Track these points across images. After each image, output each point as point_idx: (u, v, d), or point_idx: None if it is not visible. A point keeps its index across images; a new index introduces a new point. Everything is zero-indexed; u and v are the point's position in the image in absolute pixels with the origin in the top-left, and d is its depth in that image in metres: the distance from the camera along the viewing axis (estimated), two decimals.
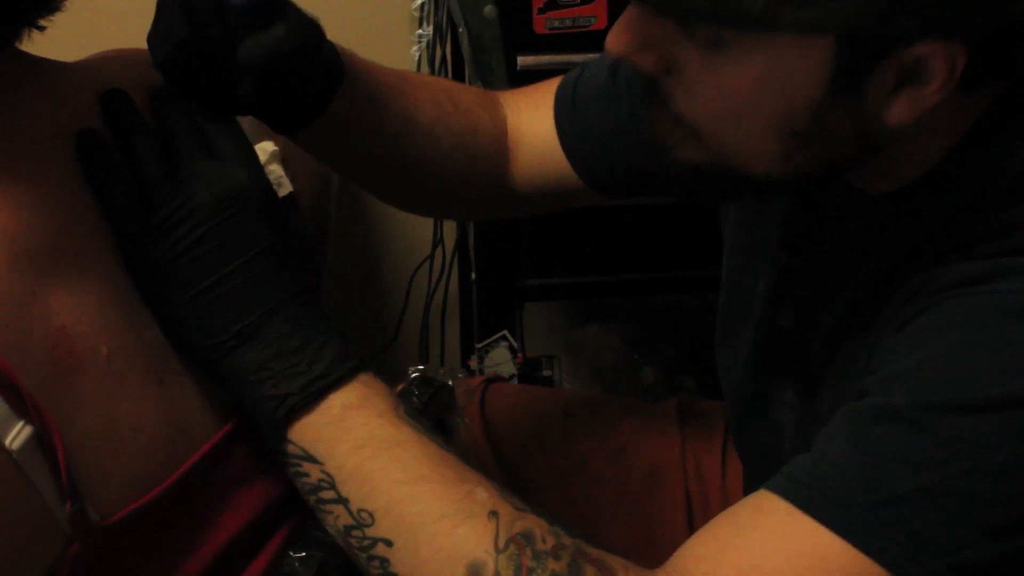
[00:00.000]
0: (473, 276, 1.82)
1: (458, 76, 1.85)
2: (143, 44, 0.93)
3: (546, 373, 1.95)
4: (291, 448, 0.85)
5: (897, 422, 0.80)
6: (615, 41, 0.87)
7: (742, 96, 0.82)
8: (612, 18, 1.61)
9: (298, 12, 0.93)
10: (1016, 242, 0.83)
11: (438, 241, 2.10)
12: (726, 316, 1.15)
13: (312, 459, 0.85)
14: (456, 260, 2.09)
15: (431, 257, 2.13)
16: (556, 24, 1.61)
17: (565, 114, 1.18)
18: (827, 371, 0.99)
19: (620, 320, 2.14)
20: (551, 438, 1.35)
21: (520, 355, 1.84)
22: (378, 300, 2.31)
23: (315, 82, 0.97)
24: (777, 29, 0.77)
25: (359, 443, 0.84)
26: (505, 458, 1.35)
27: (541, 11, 1.61)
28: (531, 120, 1.19)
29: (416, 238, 2.22)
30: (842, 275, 0.97)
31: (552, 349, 2.05)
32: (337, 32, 2.20)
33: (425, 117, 1.09)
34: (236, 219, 0.85)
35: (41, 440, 0.75)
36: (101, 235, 0.85)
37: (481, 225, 1.74)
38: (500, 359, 1.81)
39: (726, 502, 1.27)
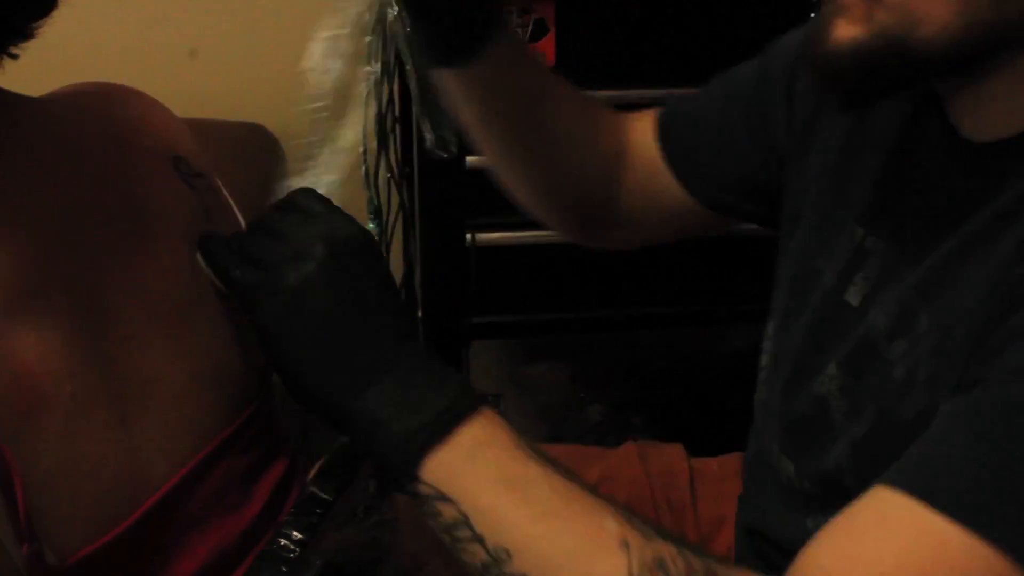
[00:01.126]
0: (419, 314, 1.81)
1: (406, 114, 1.85)
2: (109, 73, 0.93)
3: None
4: (424, 489, 0.84)
5: None
6: None
7: None
8: (559, 56, 1.63)
9: None
10: None
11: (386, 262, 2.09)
12: (791, 290, 1.15)
13: (445, 498, 0.84)
14: (402, 298, 2.08)
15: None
16: None
17: (672, 137, 1.24)
18: (884, 340, 0.97)
19: (567, 357, 2.14)
20: None
21: None
22: None
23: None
24: None
25: (491, 479, 0.83)
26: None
27: None
28: (644, 140, 1.25)
29: None
30: (926, 243, 0.96)
31: (499, 386, 2.05)
32: (281, 70, 2.20)
33: (559, 89, 1.19)
34: (350, 265, 0.87)
35: (1, 480, 0.74)
36: (70, 273, 0.84)
37: (428, 262, 1.74)
38: None
39: (700, 534, 1.30)
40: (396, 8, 1.58)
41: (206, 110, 2.05)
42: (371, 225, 1.82)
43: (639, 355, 2.19)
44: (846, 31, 0.88)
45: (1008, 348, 0.82)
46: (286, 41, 2.14)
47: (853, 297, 1.04)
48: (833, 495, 0.96)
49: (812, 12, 1.61)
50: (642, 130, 1.26)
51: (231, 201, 1.09)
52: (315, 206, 0.91)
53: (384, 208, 1.84)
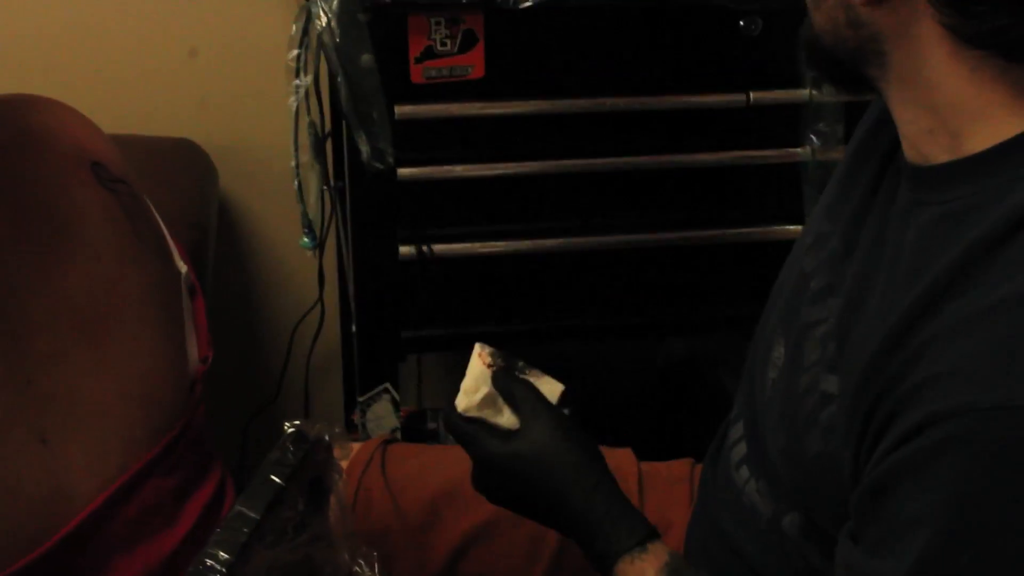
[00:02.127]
0: (354, 328, 1.80)
1: (337, 126, 1.84)
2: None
3: (431, 426, 1.94)
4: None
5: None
6: None
7: None
8: (489, 67, 1.62)
9: None
10: None
11: (321, 293, 2.07)
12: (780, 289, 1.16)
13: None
14: (338, 312, 2.07)
15: (322, 308, 2.10)
16: (433, 73, 1.61)
17: None
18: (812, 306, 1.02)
19: None
20: (462, 496, 1.33)
21: (402, 408, 1.82)
22: (259, 354, 2.28)
23: None
24: None
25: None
26: (414, 522, 1.33)
27: (418, 60, 1.60)
28: None
29: (299, 290, 2.19)
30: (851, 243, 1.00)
31: (440, 401, 2.04)
32: (214, 84, 2.19)
33: None
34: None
35: None
36: None
37: (362, 276, 1.73)
38: (382, 412, 1.79)
39: None
40: (325, 19, 1.58)
41: (134, 126, 2.03)
42: (304, 240, 1.81)
43: (576, 366, 2.19)
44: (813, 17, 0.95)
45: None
46: (214, 60, 2.14)
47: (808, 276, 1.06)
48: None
49: (739, 22, 1.63)
50: None
51: (152, 208, 1.08)
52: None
53: (317, 221, 1.83)
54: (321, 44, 1.59)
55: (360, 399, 1.77)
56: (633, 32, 1.64)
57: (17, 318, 0.85)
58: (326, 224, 1.89)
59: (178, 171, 1.98)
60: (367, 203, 1.69)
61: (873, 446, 0.86)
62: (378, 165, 1.63)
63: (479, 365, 1.11)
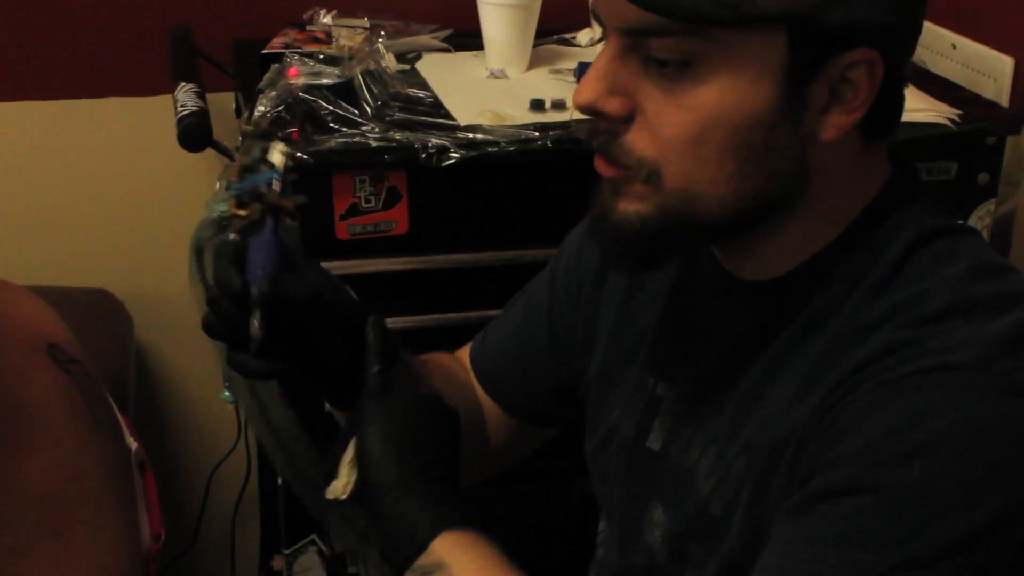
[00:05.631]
0: (280, 481, 1.80)
1: None
2: None
3: (351, 571, 1.93)
4: (423, 560, 0.95)
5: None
6: (584, 91, 0.94)
7: (705, 114, 0.91)
8: (412, 223, 1.66)
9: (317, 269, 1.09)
10: (919, 315, 0.92)
11: (240, 434, 2.07)
12: (597, 455, 1.19)
13: (442, 566, 0.95)
14: (259, 457, 2.06)
15: (248, 458, 2.09)
16: (358, 230, 1.64)
17: (483, 371, 1.31)
18: (701, 476, 1.03)
19: None
20: None
21: (328, 552, 1.82)
22: (176, 496, 2.26)
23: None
24: (745, 21, 0.87)
25: (483, 563, 0.96)
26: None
27: (343, 217, 1.64)
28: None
29: (218, 430, 2.19)
30: (719, 379, 1.03)
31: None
32: (128, 233, 2.19)
33: (443, 385, 1.21)
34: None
35: None
36: None
37: None
38: (309, 564, 1.78)
39: None
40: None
41: (47, 277, 2.03)
42: (226, 394, 1.81)
43: (504, 508, 2.20)
44: (630, 206, 0.96)
45: (831, 444, 0.90)
46: (131, 206, 2.15)
47: (654, 443, 1.10)
48: None
49: None
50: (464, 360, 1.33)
51: (102, 385, 1.08)
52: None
53: None
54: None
55: (286, 552, 1.77)
56: (552, 184, 1.69)
57: None
58: None
59: (94, 321, 1.98)
60: None
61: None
62: None
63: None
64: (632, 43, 0.92)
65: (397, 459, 0.98)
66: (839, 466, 0.89)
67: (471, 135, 1.64)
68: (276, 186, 1.07)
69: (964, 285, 0.93)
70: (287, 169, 1.11)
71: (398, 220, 1.65)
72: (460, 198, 1.67)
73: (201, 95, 1.74)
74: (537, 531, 2.10)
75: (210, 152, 1.74)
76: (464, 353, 1.34)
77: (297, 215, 1.07)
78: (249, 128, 1.12)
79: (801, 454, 0.93)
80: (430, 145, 1.61)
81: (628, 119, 0.94)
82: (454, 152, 1.61)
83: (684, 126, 0.92)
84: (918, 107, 1.76)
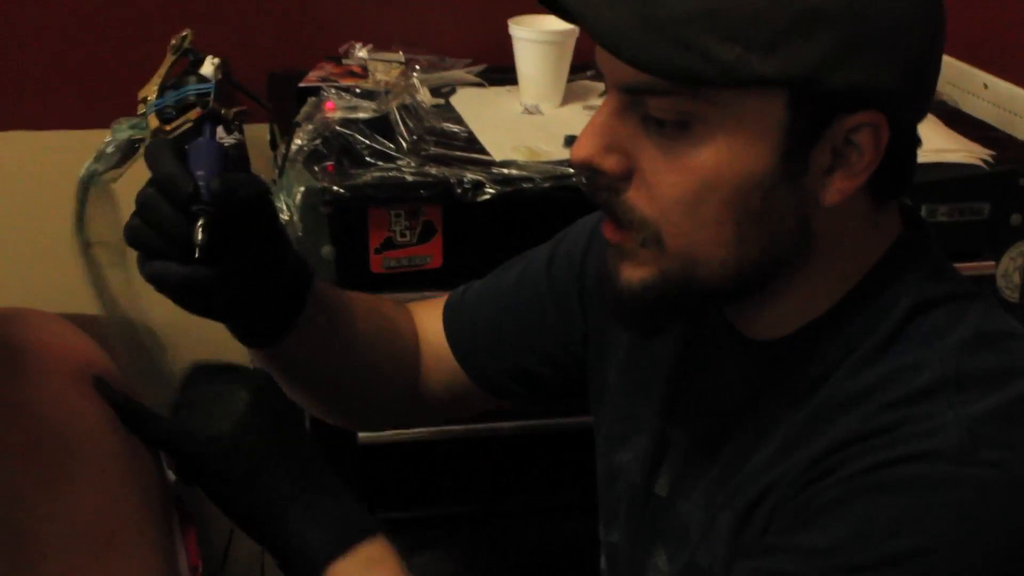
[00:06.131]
0: None
1: None
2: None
3: None
4: None
5: None
6: (581, 146, 0.93)
7: (703, 175, 0.89)
8: (447, 257, 1.67)
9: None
10: (908, 390, 0.91)
11: None
12: (607, 488, 1.19)
13: None
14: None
15: None
16: (393, 263, 1.65)
17: (454, 322, 1.27)
18: (697, 531, 1.03)
19: (451, 547, 2.13)
20: None
21: None
22: (206, 521, 2.26)
23: (283, 269, 1.05)
24: (743, 83, 0.86)
25: None
26: None
27: (378, 251, 1.65)
28: (432, 332, 1.27)
29: None
30: (723, 433, 1.03)
31: None
32: None
33: (366, 327, 1.19)
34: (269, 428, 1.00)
35: None
36: None
37: None
38: None
39: None
40: (288, 214, 1.61)
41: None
42: None
43: (520, 544, 2.20)
44: (633, 273, 0.95)
45: (791, 522, 0.91)
46: None
47: (661, 488, 1.10)
48: None
49: None
50: (433, 317, 1.29)
51: None
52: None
53: None
54: None
55: None
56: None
57: (30, 543, 0.86)
58: None
59: (126, 348, 1.99)
60: None
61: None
62: None
63: None
64: (631, 100, 0.91)
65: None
66: (798, 556, 0.89)
67: (506, 170, 1.66)
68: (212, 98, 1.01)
69: (957, 358, 0.92)
70: (221, 81, 1.03)
71: (432, 255, 1.66)
72: (494, 233, 1.68)
73: (239, 127, 1.75)
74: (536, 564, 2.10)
75: None
76: (419, 306, 1.31)
77: (237, 126, 1.02)
78: (173, 44, 1.05)
79: (772, 516, 0.94)
80: (465, 180, 1.62)
81: (626, 176, 0.93)
82: (489, 187, 1.62)
83: (682, 187, 0.90)
84: (951, 147, 1.77)
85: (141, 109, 1.03)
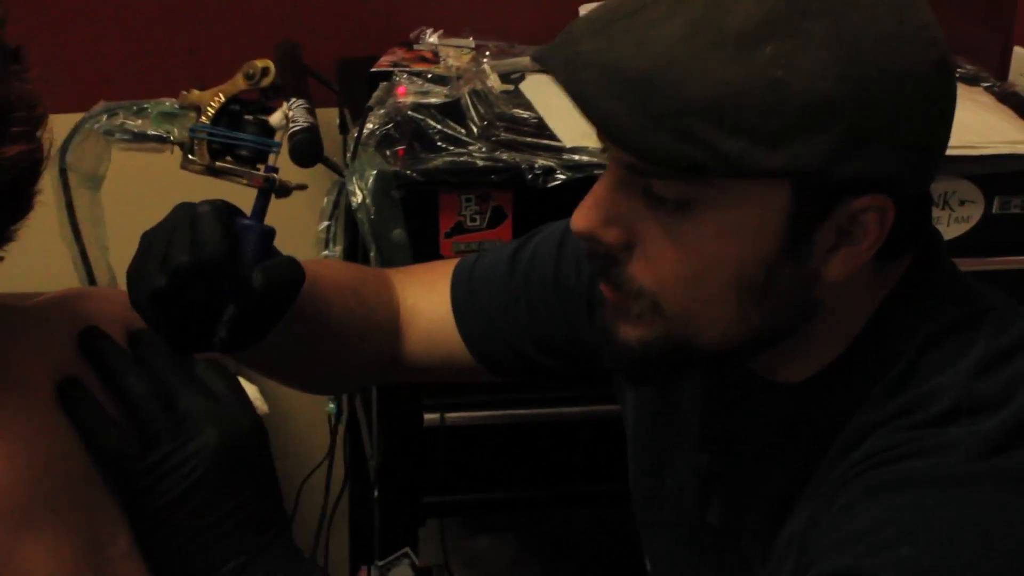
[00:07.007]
0: (376, 494, 1.81)
1: None
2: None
3: None
4: None
5: None
6: (581, 217, 0.92)
7: (705, 255, 0.89)
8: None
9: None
10: (925, 416, 0.90)
11: (331, 449, 2.09)
12: (645, 511, 1.19)
13: None
14: (343, 472, 2.09)
15: (330, 464, 2.12)
16: (463, 247, 1.66)
17: (462, 299, 1.23)
18: (758, 562, 1.02)
19: (510, 531, 2.15)
20: None
21: (421, 565, 1.84)
22: None
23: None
24: (748, 175, 0.85)
25: None
26: None
27: (448, 235, 1.66)
28: (427, 303, 1.24)
29: (307, 444, 2.21)
30: (764, 470, 1.02)
31: (442, 561, 2.05)
32: None
33: (336, 318, 1.14)
34: (238, 460, 0.88)
35: None
36: (72, 487, 0.85)
37: (388, 443, 1.75)
38: None
39: None
40: (361, 196, 1.62)
41: None
42: (331, 406, 1.84)
43: (584, 531, 2.21)
44: (632, 333, 0.94)
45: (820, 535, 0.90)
46: None
47: (714, 517, 1.09)
48: None
49: None
50: (432, 290, 1.25)
51: None
52: (216, 386, 0.91)
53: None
54: (355, 218, 1.64)
55: (380, 563, 1.79)
56: None
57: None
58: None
59: None
60: None
61: None
62: None
63: None
64: (633, 177, 0.90)
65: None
66: (831, 556, 0.88)
67: (576, 157, 1.66)
68: (272, 161, 0.97)
69: (970, 383, 0.91)
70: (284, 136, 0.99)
71: (502, 240, 1.67)
72: (564, 218, 1.68)
73: (312, 111, 1.77)
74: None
75: (324, 176, 1.77)
76: (408, 276, 1.28)
77: (287, 192, 0.98)
78: (247, 71, 0.98)
79: (803, 550, 0.93)
80: (536, 166, 1.63)
81: (627, 247, 0.92)
82: (560, 173, 1.63)
83: (683, 265, 0.90)
84: (1019, 139, 1.75)
85: (184, 102, 0.99)
